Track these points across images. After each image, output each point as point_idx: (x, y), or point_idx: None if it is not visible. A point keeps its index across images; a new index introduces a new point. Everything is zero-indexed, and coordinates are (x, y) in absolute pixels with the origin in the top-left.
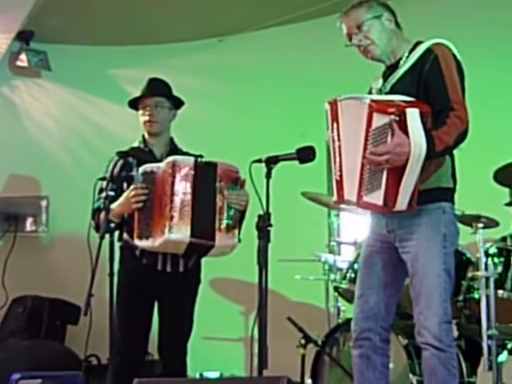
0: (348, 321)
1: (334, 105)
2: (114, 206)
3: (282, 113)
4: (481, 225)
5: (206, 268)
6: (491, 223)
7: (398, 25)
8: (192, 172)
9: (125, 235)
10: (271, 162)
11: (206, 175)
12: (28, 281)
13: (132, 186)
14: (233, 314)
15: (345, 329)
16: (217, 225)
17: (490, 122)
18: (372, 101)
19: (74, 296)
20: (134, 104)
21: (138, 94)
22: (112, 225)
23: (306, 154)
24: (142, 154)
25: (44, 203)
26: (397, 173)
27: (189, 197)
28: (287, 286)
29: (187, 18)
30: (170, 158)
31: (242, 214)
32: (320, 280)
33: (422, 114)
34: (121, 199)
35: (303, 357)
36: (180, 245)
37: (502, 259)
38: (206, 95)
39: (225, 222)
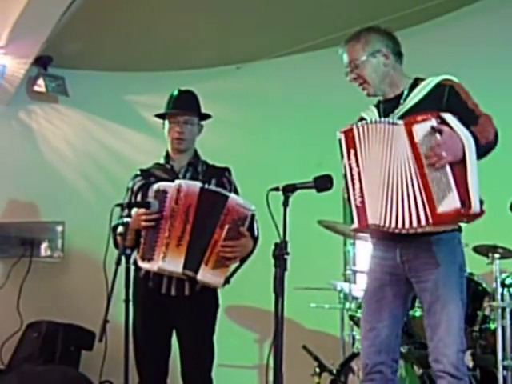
0: None
1: (349, 132)
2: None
3: (299, 141)
4: (497, 255)
5: (221, 295)
6: (508, 254)
7: (399, 55)
8: (195, 199)
9: (135, 255)
10: (288, 190)
11: (211, 204)
12: (43, 306)
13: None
14: (248, 341)
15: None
16: (205, 257)
17: (505, 152)
18: (402, 119)
19: (89, 321)
20: (162, 115)
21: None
22: (128, 251)
23: (323, 183)
24: (163, 172)
25: (60, 228)
26: (460, 169)
27: (189, 226)
28: (303, 314)
29: (205, 45)
30: (178, 182)
31: (242, 259)
32: (335, 308)
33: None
34: (133, 215)
35: None
36: (173, 273)
37: None
38: (223, 122)
39: (214, 257)
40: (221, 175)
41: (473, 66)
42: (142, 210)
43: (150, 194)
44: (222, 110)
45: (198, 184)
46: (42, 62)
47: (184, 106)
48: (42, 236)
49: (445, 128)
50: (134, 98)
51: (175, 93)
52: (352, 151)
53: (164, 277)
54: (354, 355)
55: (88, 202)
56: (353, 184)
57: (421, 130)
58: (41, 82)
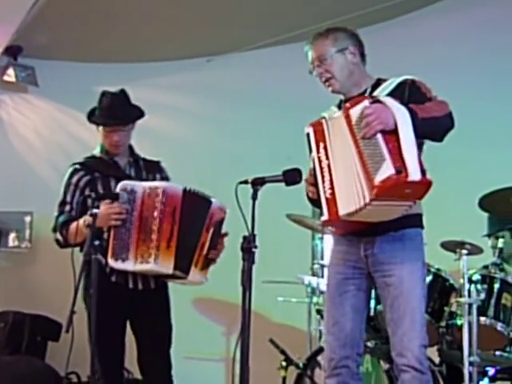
0: None
1: (318, 126)
2: (86, 218)
3: (268, 134)
4: (465, 251)
5: (188, 288)
6: (475, 250)
7: (363, 56)
8: (180, 201)
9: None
10: (257, 183)
11: (194, 206)
12: (10, 296)
13: (115, 203)
14: (215, 334)
15: None
16: (194, 259)
17: (473, 148)
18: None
19: (56, 312)
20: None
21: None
22: (97, 242)
23: (292, 177)
24: (106, 167)
25: (28, 219)
26: (392, 138)
27: (176, 228)
28: (270, 308)
29: (176, 37)
30: (158, 184)
31: None
32: (303, 302)
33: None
34: (100, 211)
35: (284, 379)
36: (158, 273)
37: (485, 286)
38: (193, 114)
39: (202, 259)
40: (160, 169)
41: (433, 66)
42: (113, 208)
43: (118, 191)
44: (191, 102)
45: (180, 186)
46: (11, 52)
47: (121, 116)
48: (10, 226)
49: (374, 105)
50: (103, 89)
51: (106, 98)
52: (321, 144)
53: (129, 272)
54: (321, 349)
55: (57, 192)
56: (322, 177)
57: (355, 112)
58: (10, 71)
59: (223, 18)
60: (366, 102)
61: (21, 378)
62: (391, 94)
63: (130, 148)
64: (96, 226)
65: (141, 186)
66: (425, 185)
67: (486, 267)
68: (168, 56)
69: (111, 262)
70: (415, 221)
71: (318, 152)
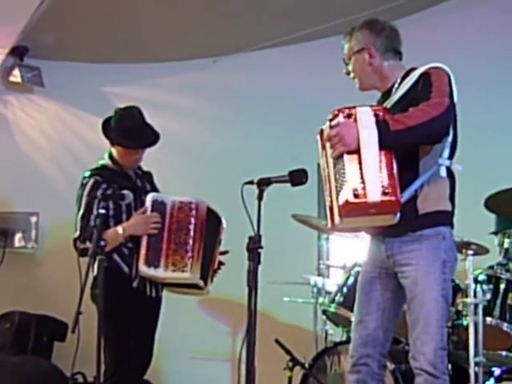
0: (336, 344)
1: (321, 134)
2: (125, 225)
3: (274, 135)
4: (470, 251)
5: None
6: (481, 250)
7: (393, 51)
8: (205, 217)
9: (115, 256)
10: (263, 183)
11: (213, 223)
12: (16, 297)
13: (147, 211)
14: (220, 334)
15: (332, 352)
16: (211, 272)
17: (482, 149)
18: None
19: (62, 313)
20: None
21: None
22: (102, 243)
23: (298, 177)
24: (122, 179)
25: (34, 219)
26: (355, 158)
27: (202, 241)
28: (276, 308)
29: (182, 38)
30: (190, 199)
31: None
32: (308, 303)
33: (375, 111)
34: (135, 220)
35: (290, 379)
36: (183, 281)
37: (490, 286)
38: (199, 115)
39: (212, 272)
40: (152, 181)
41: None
42: (151, 218)
43: (148, 204)
44: (197, 102)
45: (205, 203)
46: (17, 53)
47: (144, 139)
48: (16, 227)
49: (341, 121)
50: (109, 90)
51: (126, 123)
52: (324, 152)
53: (147, 279)
54: (327, 350)
55: (62, 193)
56: (325, 185)
57: (326, 128)
58: (16, 72)
59: (229, 18)
60: (339, 117)
61: (27, 379)
62: (413, 86)
63: None
64: (127, 234)
65: (169, 198)
66: (389, 204)
67: (491, 267)
68: (174, 56)
69: (144, 269)
70: (435, 219)
71: (322, 159)
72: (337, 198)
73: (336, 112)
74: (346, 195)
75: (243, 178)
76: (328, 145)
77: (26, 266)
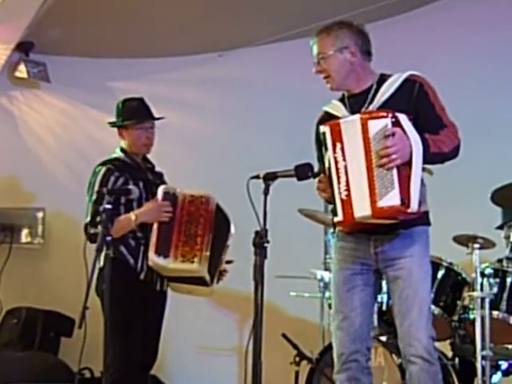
0: None
1: (335, 126)
2: (137, 212)
3: (280, 129)
4: (477, 245)
5: None
6: (487, 244)
7: (368, 54)
8: (214, 214)
9: (121, 248)
10: (269, 178)
11: (222, 222)
12: (23, 292)
13: (158, 200)
14: (227, 327)
15: None
16: (217, 273)
17: (486, 142)
18: (361, 113)
19: (69, 308)
20: (122, 124)
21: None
22: (109, 238)
23: (304, 171)
24: (134, 170)
25: (40, 215)
26: (405, 170)
27: (212, 236)
28: (282, 303)
29: (188, 32)
30: (203, 193)
31: None
32: (315, 297)
33: (409, 119)
34: (148, 208)
35: (297, 374)
36: (191, 274)
37: (497, 280)
38: (205, 109)
39: (219, 274)
40: (164, 182)
41: (439, 59)
42: (163, 206)
43: (159, 195)
44: (204, 97)
45: (215, 198)
46: (23, 48)
47: (148, 114)
48: (23, 222)
49: (397, 130)
50: (115, 85)
51: (131, 103)
52: (338, 145)
53: (154, 272)
54: None
55: (69, 188)
56: (338, 177)
57: (375, 126)
58: (22, 67)
59: (235, 12)
60: (387, 121)
61: (34, 374)
62: (399, 91)
63: (144, 156)
64: (139, 222)
65: (181, 191)
66: (416, 214)
67: (499, 261)
68: (180, 51)
69: (153, 257)
70: (423, 219)
71: (334, 152)
72: (373, 198)
73: (376, 113)
74: (395, 201)
75: (249, 173)
76: (376, 151)
77: (33, 262)
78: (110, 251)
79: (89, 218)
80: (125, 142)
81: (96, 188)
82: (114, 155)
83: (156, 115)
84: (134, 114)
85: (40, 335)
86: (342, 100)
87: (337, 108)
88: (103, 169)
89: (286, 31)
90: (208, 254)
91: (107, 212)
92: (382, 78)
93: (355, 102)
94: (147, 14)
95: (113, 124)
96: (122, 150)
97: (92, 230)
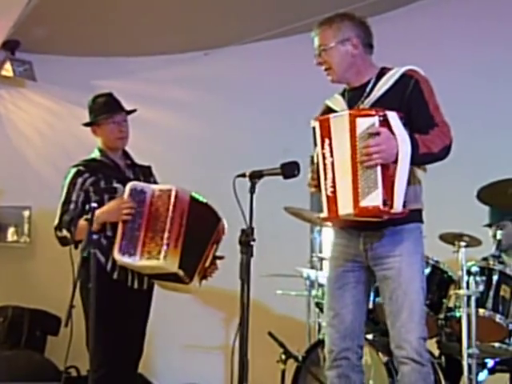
0: None
1: (325, 121)
2: (99, 211)
3: (266, 127)
4: (463, 243)
5: None
6: (474, 242)
7: (369, 46)
8: (187, 206)
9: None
10: (255, 176)
11: (203, 216)
12: (9, 291)
13: (123, 198)
14: (214, 326)
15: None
16: (199, 268)
17: (474, 141)
18: (351, 109)
19: (55, 307)
20: (94, 121)
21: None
22: (95, 236)
23: (290, 170)
24: (109, 169)
25: (26, 213)
26: (390, 170)
27: (183, 230)
28: (269, 301)
29: (173, 31)
30: (171, 187)
31: None
32: (301, 295)
33: (400, 118)
34: (108, 207)
35: (283, 372)
36: (161, 270)
37: (483, 278)
38: (190, 108)
39: (203, 271)
40: (152, 174)
41: (432, 57)
42: (125, 203)
43: (125, 192)
44: (188, 96)
45: (187, 192)
46: (9, 47)
47: (119, 107)
48: (9, 221)
49: (383, 130)
50: (101, 84)
51: (100, 99)
52: (327, 141)
53: (128, 270)
54: (320, 342)
55: (55, 187)
56: (325, 174)
57: (362, 124)
58: (8, 66)
59: (221, 11)
60: (375, 120)
61: (20, 373)
62: (395, 86)
63: (125, 152)
64: (100, 221)
65: (150, 187)
66: (400, 215)
67: (485, 259)
68: (165, 49)
69: (118, 257)
70: (415, 216)
71: (322, 148)
72: (355, 197)
73: (366, 111)
74: (377, 201)
75: (235, 171)
76: (360, 149)
77: (19, 261)
78: (96, 250)
79: (56, 221)
80: (100, 139)
81: (64, 190)
82: (92, 155)
83: (128, 108)
84: (104, 109)
85: (26, 334)
86: (342, 94)
87: (336, 102)
88: (72, 171)
89: (272, 29)
90: (178, 249)
91: (93, 211)
92: (382, 72)
93: (353, 96)
94: (132, 12)
95: (86, 124)
96: (100, 149)
97: (59, 234)
